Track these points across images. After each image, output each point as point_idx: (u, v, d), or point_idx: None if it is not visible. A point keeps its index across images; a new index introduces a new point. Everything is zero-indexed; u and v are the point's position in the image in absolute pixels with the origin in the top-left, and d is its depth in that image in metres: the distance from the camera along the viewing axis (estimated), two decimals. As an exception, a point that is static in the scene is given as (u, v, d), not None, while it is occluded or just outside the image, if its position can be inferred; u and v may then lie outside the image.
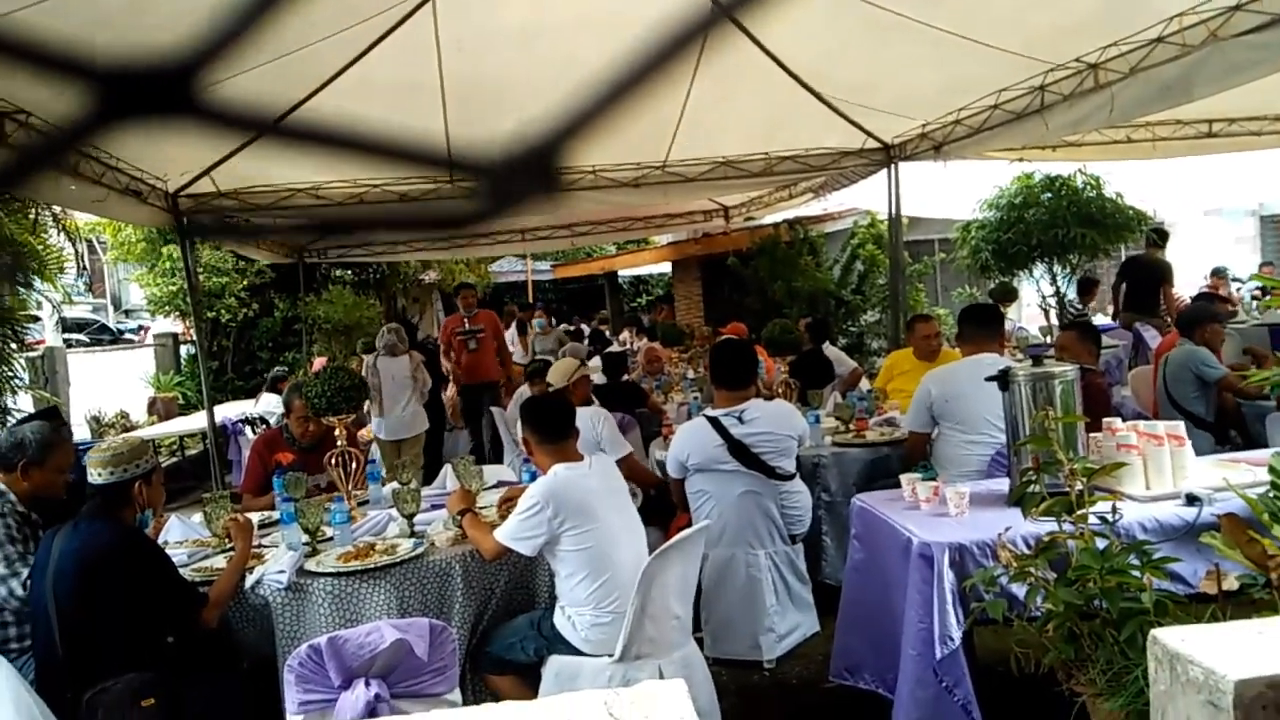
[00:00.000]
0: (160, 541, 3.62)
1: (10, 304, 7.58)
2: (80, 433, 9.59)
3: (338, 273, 13.72)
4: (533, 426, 3.30)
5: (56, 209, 8.07)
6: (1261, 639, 1.24)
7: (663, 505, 4.71)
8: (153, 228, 11.57)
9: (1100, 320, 10.53)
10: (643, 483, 4.71)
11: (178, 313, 13.04)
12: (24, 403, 7.94)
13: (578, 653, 3.03)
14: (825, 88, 5.97)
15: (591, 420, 4.63)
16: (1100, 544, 2.40)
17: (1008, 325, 9.20)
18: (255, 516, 3.77)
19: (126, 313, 25.69)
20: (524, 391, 6.56)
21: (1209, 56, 4.01)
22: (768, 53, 5.47)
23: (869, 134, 6.77)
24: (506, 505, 3.79)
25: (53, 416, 4.26)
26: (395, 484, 3.80)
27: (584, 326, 15.59)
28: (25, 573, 3.00)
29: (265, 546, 3.50)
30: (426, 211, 5.33)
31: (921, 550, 2.87)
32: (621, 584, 3.01)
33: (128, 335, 22.25)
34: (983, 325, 4.40)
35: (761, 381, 5.46)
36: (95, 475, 2.88)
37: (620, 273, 22.75)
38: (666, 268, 19.47)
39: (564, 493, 3.06)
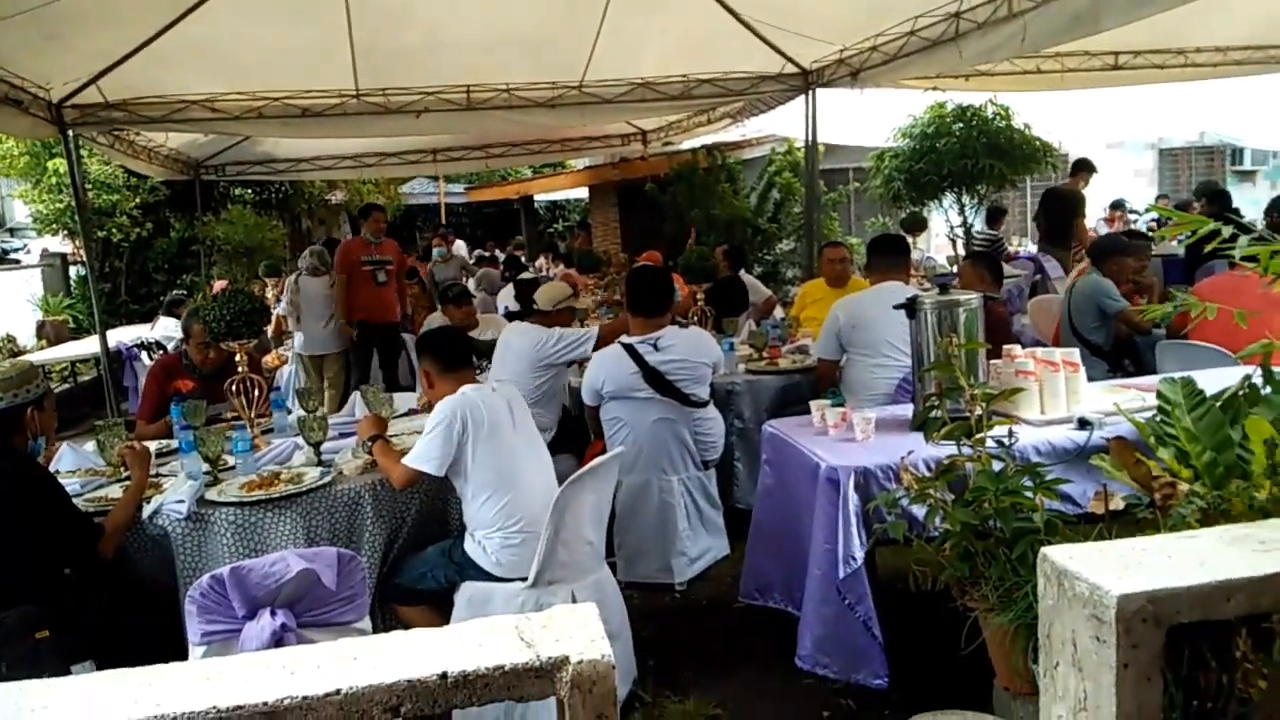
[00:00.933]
0: (51, 470, 3.46)
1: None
2: (-38, 358, 9.09)
3: (237, 191, 13.15)
4: (434, 355, 3.27)
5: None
6: (1145, 556, 1.30)
7: (575, 432, 4.71)
8: (36, 140, 10.86)
9: (1012, 249, 10.86)
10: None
11: (66, 231, 12.35)
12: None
13: (490, 578, 3.03)
14: (746, 9, 5.88)
15: (530, 339, 4.61)
16: (997, 466, 2.49)
17: (916, 255, 9.40)
18: (152, 445, 3.63)
19: (11, 231, 24.22)
20: (436, 318, 6.45)
21: (1119, -13, 4.07)
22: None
23: (788, 58, 6.73)
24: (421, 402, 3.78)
25: None
26: (301, 411, 3.71)
27: (498, 252, 15.33)
28: None
29: (163, 476, 3.39)
30: None
31: (828, 474, 2.94)
32: (526, 503, 3.02)
33: (13, 256, 21.01)
34: (889, 255, 4.48)
35: (677, 308, 5.47)
36: (-16, 401, 2.73)
37: (536, 197, 22.36)
38: (583, 193, 19.22)
39: (469, 409, 3.05)
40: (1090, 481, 2.78)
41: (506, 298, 8.44)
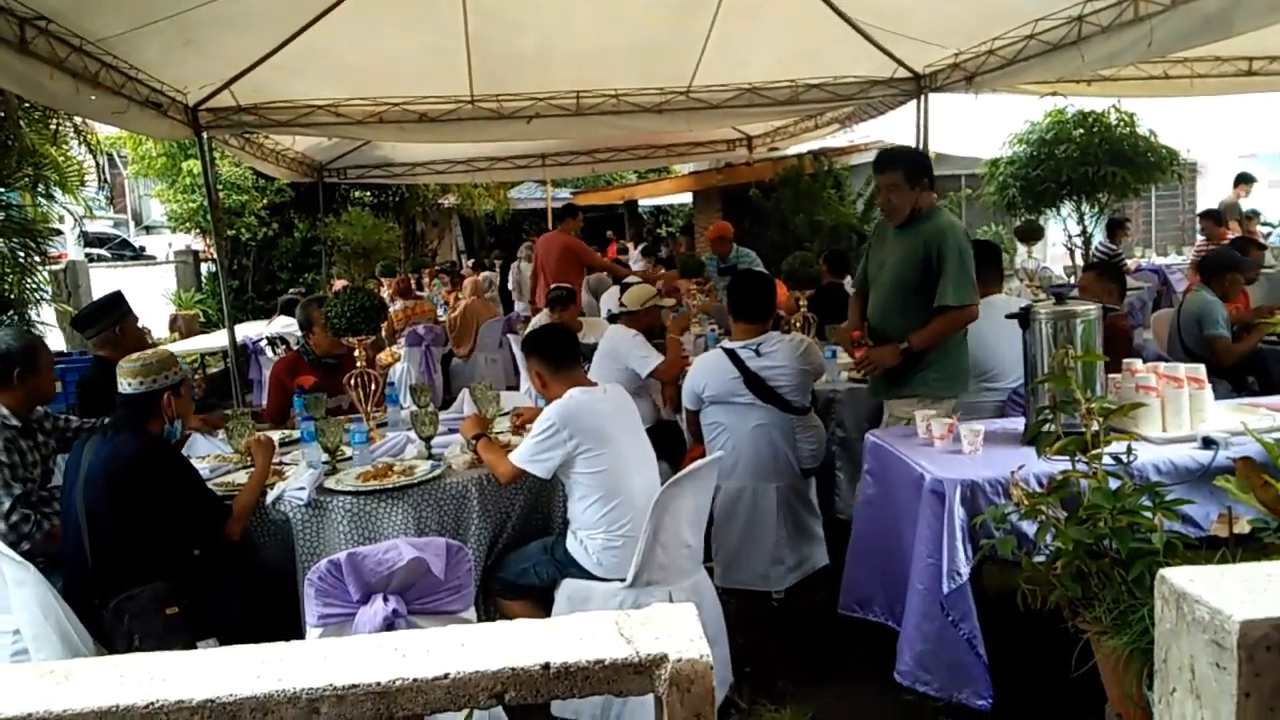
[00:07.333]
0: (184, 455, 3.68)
1: (32, 216, 7.61)
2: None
3: (357, 194, 13.68)
4: (541, 355, 3.32)
5: (77, 120, 8.02)
6: (1270, 581, 1.24)
7: (669, 439, 4.76)
8: (173, 142, 11.53)
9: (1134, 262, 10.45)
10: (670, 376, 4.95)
11: (198, 229, 13.07)
12: (47, 315, 8.02)
13: (590, 576, 3.08)
14: (856, 13, 5.81)
15: (618, 338, 5.00)
16: (1113, 484, 2.40)
17: (1031, 264, 9.10)
18: (275, 435, 3.82)
19: (147, 229, 25.75)
20: (542, 319, 6.57)
21: (1254, -11, 3.87)
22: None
23: (899, 62, 6.61)
24: (520, 421, 3.84)
25: (120, 302, 4.27)
26: (413, 406, 3.84)
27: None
28: (8, 504, 3.08)
29: (286, 464, 3.56)
30: None
31: (933, 486, 2.89)
32: (633, 508, 3.05)
33: (150, 253, 22.35)
34: (991, 263, 4.32)
35: (783, 315, 5.45)
36: (125, 385, 2.92)
37: (641, 202, 22.55)
38: (687, 198, 19.27)
39: (579, 415, 3.08)
40: (1214, 504, 2.65)
41: (611, 300, 8.55)
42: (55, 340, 8.93)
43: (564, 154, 10.87)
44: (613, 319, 6.83)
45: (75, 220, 9.89)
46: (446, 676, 1.18)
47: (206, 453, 3.89)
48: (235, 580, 3.01)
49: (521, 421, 3.85)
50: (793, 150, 11.00)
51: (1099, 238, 9.72)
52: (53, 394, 3.45)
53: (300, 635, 2.53)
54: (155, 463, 2.87)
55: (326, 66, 6.19)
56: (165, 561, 2.81)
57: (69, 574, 2.88)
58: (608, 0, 5.53)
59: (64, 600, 2.65)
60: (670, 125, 7.47)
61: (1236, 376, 4.94)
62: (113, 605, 2.73)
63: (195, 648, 2.70)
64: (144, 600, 2.74)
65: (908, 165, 3.73)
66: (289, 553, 3.09)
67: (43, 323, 7.54)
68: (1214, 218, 9.70)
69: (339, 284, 10.11)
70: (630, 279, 7.17)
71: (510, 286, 12.09)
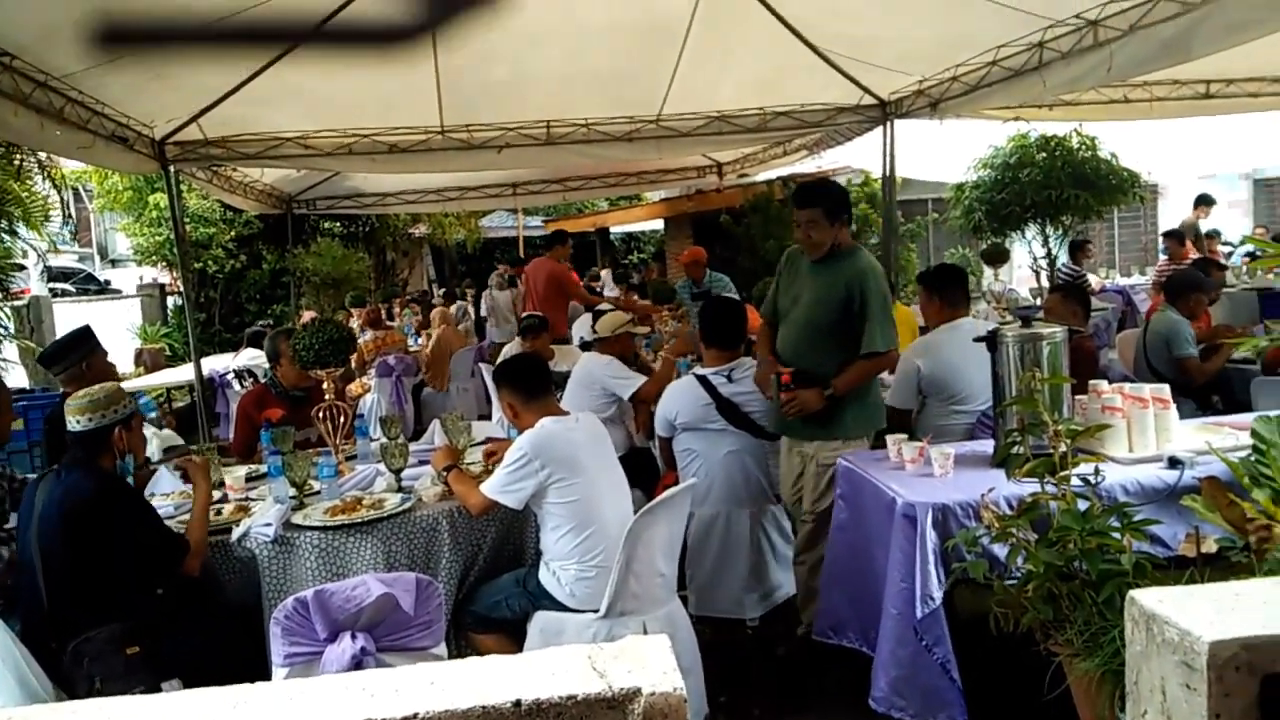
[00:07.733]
0: (148, 493, 3.62)
1: (-5, 252, 7.50)
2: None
3: (326, 225, 13.61)
4: (513, 386, 3.30)
5: (42, 155, 7.94)
6: (1238, 601, 1.24)
7: (642, 466, 4.74)
8: (139, 176, 11.43)
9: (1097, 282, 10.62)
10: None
11: (164, 263, 12.93)
12: (9, 352, 7.89)
13: (563, 608, 3.05)
14: (823, 41, 5.89)
15: (593, 365, 4.96)
16: (1082, 505, 2.41)
17: (998, 286, 9.22)
18: (242, 470, 3.76)
19: (113, 262, 25.46)
20: (513, 348, 6.55)
21: (1209, 14, 3.96)
22: (765, 4, 5.38)
23: (865, 90, 6.70)
24: (492, 459, 3.80)
25: (87, 337, 4.19)
26: (383, 438, 3.80)
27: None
28: None
29: (252, 500, 3.50)
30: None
31: (905, 510, 2.89)
32: (606, 538, 3.03)
33: (116, 287, 22.09)
34: (959, 286, 4.35)
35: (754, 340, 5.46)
36: (74, 422, 2.87)
37: (612, 229, 22.61)
38: (659, 225, 19.36)
39: (550, 445, 3.06)
40: (1181, 523, 2.67)
41: (583, 328, 8.54)
42: (18, 377, 8.78)
43: (535, 182, 10.90)
44: (585, 346, 6.83)
45: (39, 255, 9.77)
46: (416, 716, 1.16)
47: (170, 489, 3.82)
48: (197, 617, 2.94)
49: (494, 460, 3.80)
50: (762, 176, 11.11)
51: (1063, 259, 9.87)
52: (7, 435, 3.39)
53: (266, 674, 2.48)
54: (109, 499, 2.81)
55: (295, 99, 6.18)
56: (121, 600, 2.75)
57: (26, 617, 2.81)
58: (577, 30, 5.57)
59: (22, 644, 2.58)
60: (641, 153, 7.52)
61: (1202, 396, 5.01)
62: (71, 647, 2.66)
63: (159, 689, 2.64)
64: (101, 642, 2.67)
65: (827, 201, 3.68)
66: (255, 589, 3.03)
67: (4, 359, 7.42)
68: (1177, 238, 9.90)
69: (307, 315, 10.02)
70: (603, 306, 7.17)
71: (484, 313, 12.08)
